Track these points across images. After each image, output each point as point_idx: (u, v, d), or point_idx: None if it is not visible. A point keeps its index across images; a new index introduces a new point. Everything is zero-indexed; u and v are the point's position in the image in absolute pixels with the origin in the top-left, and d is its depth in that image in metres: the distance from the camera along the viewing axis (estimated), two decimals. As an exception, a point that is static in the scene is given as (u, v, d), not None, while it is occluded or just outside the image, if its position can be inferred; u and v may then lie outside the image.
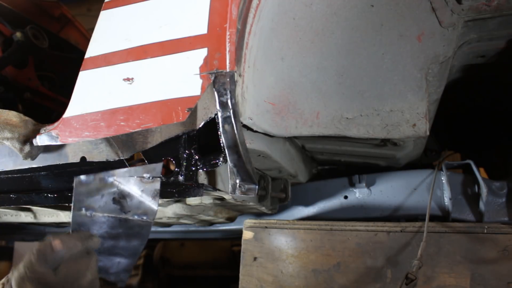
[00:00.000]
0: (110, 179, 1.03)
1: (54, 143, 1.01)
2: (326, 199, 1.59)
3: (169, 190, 1.03)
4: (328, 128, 1.18)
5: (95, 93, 0.97)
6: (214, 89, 0.86)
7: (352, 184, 1.54)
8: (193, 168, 1.01)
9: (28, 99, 2.05)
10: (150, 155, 1.02)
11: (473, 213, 1.35)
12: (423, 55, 1.15)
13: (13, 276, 0.89)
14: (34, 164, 1.18)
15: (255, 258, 1.39)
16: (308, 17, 1.09)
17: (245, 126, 1.03)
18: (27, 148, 1.06)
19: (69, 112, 0.99)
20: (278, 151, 1.31)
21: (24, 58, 2.04)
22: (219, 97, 0.86)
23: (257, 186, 1.00)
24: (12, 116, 1.09)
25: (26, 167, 1.21)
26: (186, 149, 1.00)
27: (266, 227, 1.41)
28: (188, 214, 1.48)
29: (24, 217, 1.90)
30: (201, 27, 0.89)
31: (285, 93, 1.11)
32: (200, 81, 0.87)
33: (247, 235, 1.43)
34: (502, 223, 1.24)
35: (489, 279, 1.14)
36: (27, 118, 1.10)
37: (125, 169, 1.03)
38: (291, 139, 1.45)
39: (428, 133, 1.17)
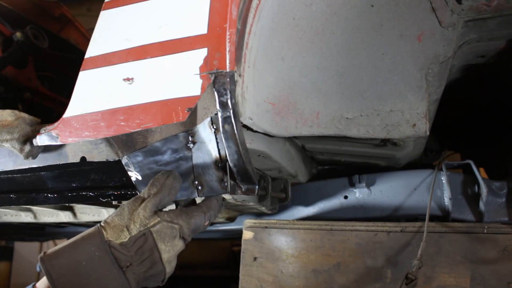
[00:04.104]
0: None
1: (54, 143, 1.01)
2: (326, 199, 1.59)
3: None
4: (328, 128, 1.18)
5: (95, 93, 0.97)
6: (214, 89, 0.86)
7: (352, 184, 1.54)
8: (193, 168, 1.01)
9: (28, 99, 2.06)
10: (150, 155, 1.02)
11: (473, 213, 1.35)
12: (423, 55, 1.15)
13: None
14: (34, 164, 1.18)
15: (255, 258, 1.39)
16: (308, 17, 1.09)
17: (245, 126, 1.03)
18: (27, 147, 1.06)
19: (69, 112, 0.99)
20: (278, 151, 1.31)
21: (24, 58, 2.05)
22: (219, 97, 0.86)
23: (257, 186, 1.00)
24: (6, 115, 1.08)
25: (26, 167, 1.21)
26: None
27: (266, 227, 1.41)
28: (188, 214, 1.48)
29: (24, 217, 1.90)
30: (201, 27, 0.89)
31: (285, 93, 1.11)
32: (200, 81, 0.87)
33: (247, 235, 1.43)
34: (502, 223, 1.24)
35: (489, 279, 1.14)
36: (22, 114, 1.09)
37: None
38: (291, 139, 1.45)
39: (428, 133, 1.17)
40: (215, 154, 0.95)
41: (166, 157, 0.99)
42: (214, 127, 0.92)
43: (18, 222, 1.98)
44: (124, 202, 0.94)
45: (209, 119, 0.92)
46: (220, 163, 0.95)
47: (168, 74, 0.90)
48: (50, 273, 0.83)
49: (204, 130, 0.94)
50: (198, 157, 0.97)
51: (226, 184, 0.95)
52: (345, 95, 1.18)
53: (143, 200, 0.92)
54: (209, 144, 0.95)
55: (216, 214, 1.01)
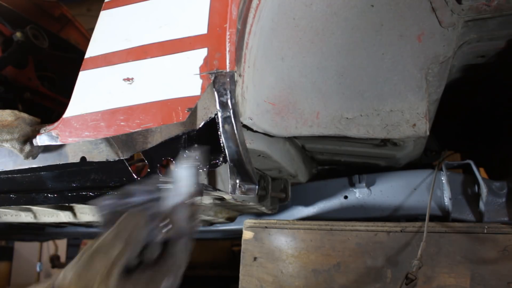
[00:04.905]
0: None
1: (54, 143, 1.01)
2: (326, 199, 1.59)
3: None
4: (328, 128, 1.18)
5: (95, 93, 0.97)
6: (214, 89, 0.86)
7: (352, 184, 1.54)
8: (193, 168, 1.00)
9: (28, 99, 2.05)
10: (150, 155, 1.02)
11: (473, 213, 1.35)
12: (423, 55, 1.15)
13: None
14: (34, 164, 1.18)
15: (255, 258, 1.39)
16: (308, 17, 1.09)
17: (245, 126, 1.03)
18: (27, 147, 1.06)
19: (69, 112, 0.99)
20: (278, 151, 1.31)
21: (24, 58, 2.04)
22: (219, 97, 0.86)
23: (257, 186, 1.00)
24: (6, 115, 1.08)
25: (26, 167, 1.21)
26: (186, 149, 1.00)
27: (266, 227, 1.41)
28: (188, 214, 1.48)
29: (24, 217, 1.90)
30: (201, 27, 0.89)
31: (285, 93, 1.11)
32: (200, 81, 0.87)
33: (247, 235, 1.43)
34: (502, 223, 1.24)
35: (489, 279, 1.14)
36: (22, 114, 1.09)
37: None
38: (291, 139, 1.45)
39: (428, 133, 1.17)
40: None
41: None
42: None
43: (18, 222, 1.98)
44: (82, 252, 0.71)
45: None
46: None
47: (168, 74, 0.90)
48: None
49: None
50: None
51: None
52: (345, 95, 1.18)
53: (108, 259, 0.69)
54: None
55: (178, 271, 0.84)
